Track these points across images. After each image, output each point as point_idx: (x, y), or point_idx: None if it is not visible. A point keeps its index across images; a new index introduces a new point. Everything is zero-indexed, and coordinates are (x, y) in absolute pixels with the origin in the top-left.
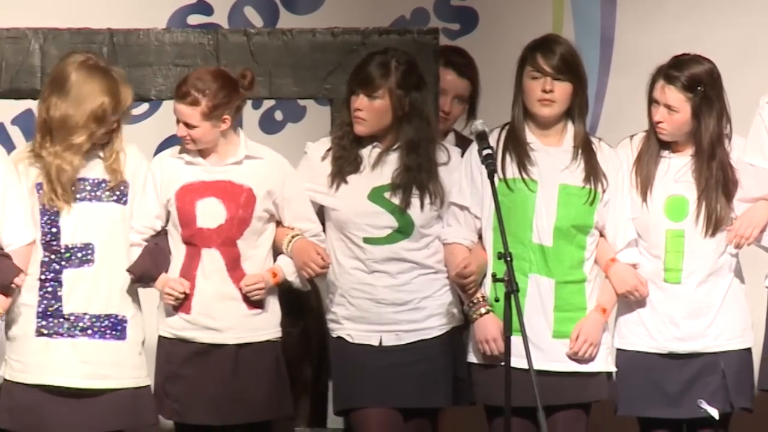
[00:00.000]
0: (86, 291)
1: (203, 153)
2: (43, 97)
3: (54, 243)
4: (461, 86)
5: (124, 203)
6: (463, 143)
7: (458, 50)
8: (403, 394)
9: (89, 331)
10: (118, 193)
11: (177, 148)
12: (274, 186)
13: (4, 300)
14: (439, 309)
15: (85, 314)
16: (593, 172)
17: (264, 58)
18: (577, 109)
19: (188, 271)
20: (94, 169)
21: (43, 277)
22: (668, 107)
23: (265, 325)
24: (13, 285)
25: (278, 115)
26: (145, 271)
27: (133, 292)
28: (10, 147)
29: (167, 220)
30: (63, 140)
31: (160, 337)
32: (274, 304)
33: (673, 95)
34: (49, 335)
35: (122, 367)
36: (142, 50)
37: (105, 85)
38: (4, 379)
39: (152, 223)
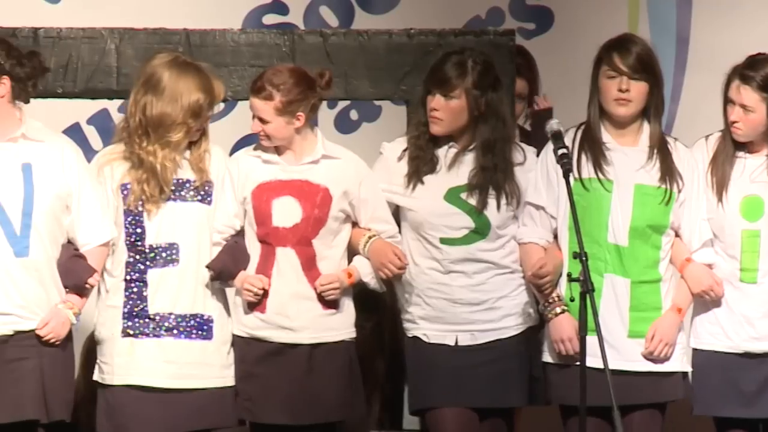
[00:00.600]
0: (171, 291)
1: (280, 151)
2: (135, 98)
3: (139, 243)
4: (520, 85)
5: (209, 203)
6: (527, 139)
7: (518, 49)
8: (479, 394)
9: (174, 331)
10: (202, 192)
11: (254, 146)
12: (351, 187)
13: (79, 300)
14: (514, 309)
15: (170, 314)
16: (669, 172)
17: (340, 58)
18: (653, 109)
19: (264, 270)
20: (179, 169)
21: (128, 277)
22: (744, 107)
23: (340, 325)
24: (87, 285)
25: (353, 115)
26: (224, 268)
27: (219, 292)
28: (85, 146)
29: (245, 219)
30: (161, 138)
31: (234, 336)
32: (348, 305)
33: (749, 95)
34: (134, 335)
35: (208, 366)
36: (218, 51)
37: (198, 81)
38: (98, 383)
39: (232, 222)
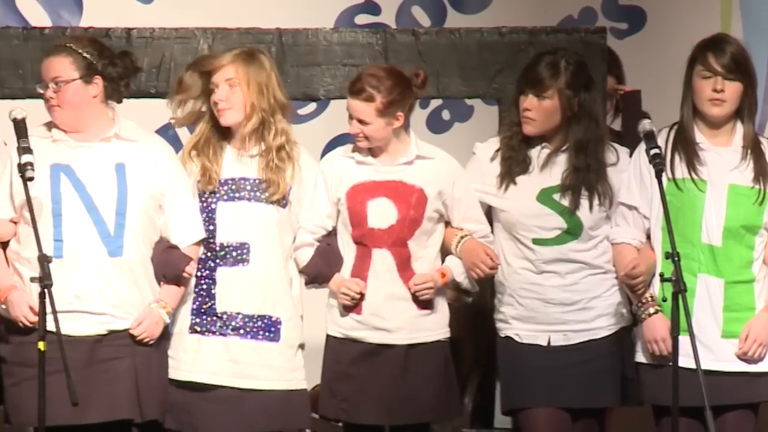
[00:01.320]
0: (240, 290)
1: (374, 152)
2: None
3: (210, 241)
4: (608, 83)
5: (283, 206)
6: (617, 137)
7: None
8: (571, 395)
9: (241, 331)
10: (278, 194)
11: (348, 147)
12: (445, 186)
13: (176, 290)
14: (607, 309)
15: (238, 314)
16: (762, 172)
17: (432, 57)
18: (746, 109)
19: (359, 272)
20: (257, 170)
21: (198, 274)
22: None
23: (435, 326)
24: (184, 274)
25: (446, 115)
26: (318, 273)
27: (289, 295)
28: (177, 146)
29: (337, 220)
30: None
31: (328, 336)
32: (443, 305)
33: None
34: (201, 332)
35: (274, 368)
36: (310, 50)
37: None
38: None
39: (324, 222)
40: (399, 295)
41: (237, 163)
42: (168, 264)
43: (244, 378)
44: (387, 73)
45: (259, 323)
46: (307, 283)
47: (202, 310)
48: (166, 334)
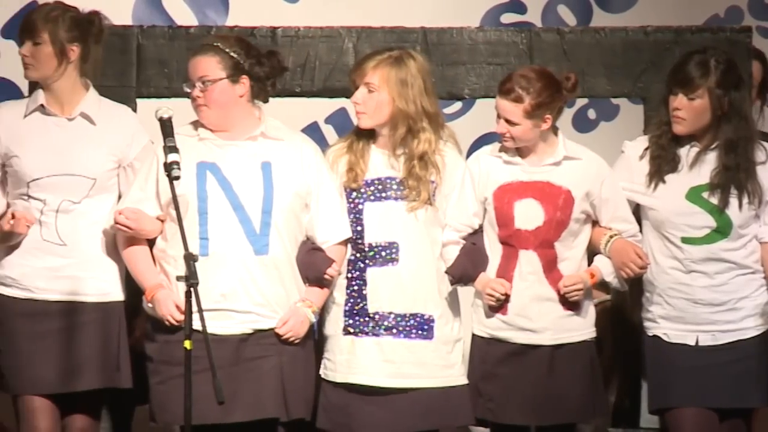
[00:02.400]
0: (391, 290)
1: (522, 152)
2: None
3: (359, 241)
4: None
5: (431, 204)
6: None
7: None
8: (720, 394)
9: (394, 330)
10: (425, 193)
11: (495, 146)
12: (593, 187)
13: (319, 292)
14: (755, 309)
15: (390, 313)
16: None
17: (577, 56)
18: None
19: (505, 272)
20: (403, 169)
21: (349, 275)
22: None
23: (581, 326)
24: (326, 276)
25: (591, 114)
26: (464, 272)
27: (441, 293)
28: (323, 145)
29: (484, 218)
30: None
31: (474, 335)
32: (588, 305)
33: None
34: (355, 334)
35: (429, 366)
36: (455, 49)
37: None
38: (322, 378)
39: (470, 221)
40: (545, 296)
41: (383, 163)
42: (311, 266)
43: (399, 378)
44: (538, 74)
45: (412, 322)
46: (452, 283)
47: (355, 311)
48: (311, 333)
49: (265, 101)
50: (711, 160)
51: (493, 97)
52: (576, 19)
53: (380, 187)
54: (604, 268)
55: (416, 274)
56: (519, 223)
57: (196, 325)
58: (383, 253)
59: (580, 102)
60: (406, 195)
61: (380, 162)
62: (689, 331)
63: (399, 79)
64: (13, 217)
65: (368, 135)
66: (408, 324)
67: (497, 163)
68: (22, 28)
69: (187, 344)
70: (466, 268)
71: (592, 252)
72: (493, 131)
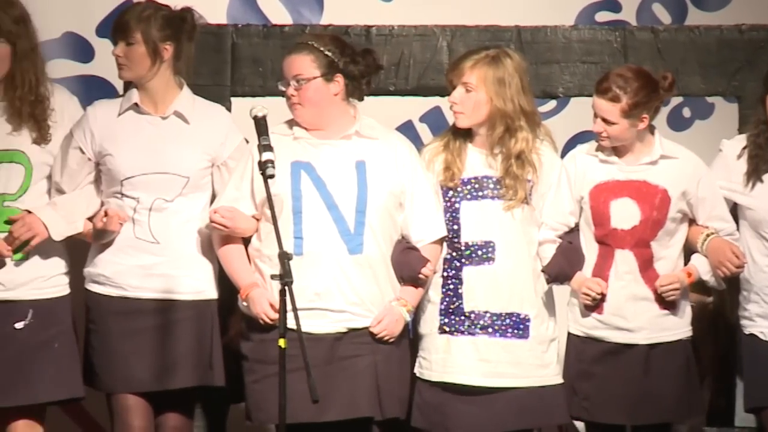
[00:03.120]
0: (486, 289)
1: (618, 151)
2: None
3: (455, 240)
4: None
5: (527, 203)
6: None
7: None
8: None
9: (489, 330)
10: (521, 192)
11: (592, 144)
12: (689, 186)
13: (414, 291)
14: None
15: (485, 312)
16: None
17: (671, 55)
18: None
19: (601, 271)
20: (499, 169)
21: (445, 274)
22: None
23: (676, 325)
24: (421, 275)
25: (686, 112)
26: (560, 271)
27: (537, 292)
28: (418, 144)
29: (580, 217)
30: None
31: (570, 334)
32: (685, 304)
33: None
34: (450, 333)
35: (524, 366)
36: (549, 47)
37: None
38: (417, 377)
39: (566, 219)
40: (641, 296)
41: (480, 162)
42: (405, 265)
43: (494, 377)
44: (635, 74)
45: (507, 321)
46: (548, 282)
47: (450, 310)
48: (406, 332)
49: (360, 100)
50: None
51: (587, 95)
52: (671, 17)
53: (477, 186)
54: (701, 266)
55: (512, 273)
56: (615, 223)
57: (291, 323)
58: (479, 252)
59: (675, 101)
60: (503, 194)
61: (477, 161)
62: None
63: (496, 78)
64: (106, 215)
65: (465, 134)
66: (504, 323)
67: (593, 162)
68: (115, 29)
69: (282, 343)
70: (562, 267)
71: (689, 251)
72: (587, 130)
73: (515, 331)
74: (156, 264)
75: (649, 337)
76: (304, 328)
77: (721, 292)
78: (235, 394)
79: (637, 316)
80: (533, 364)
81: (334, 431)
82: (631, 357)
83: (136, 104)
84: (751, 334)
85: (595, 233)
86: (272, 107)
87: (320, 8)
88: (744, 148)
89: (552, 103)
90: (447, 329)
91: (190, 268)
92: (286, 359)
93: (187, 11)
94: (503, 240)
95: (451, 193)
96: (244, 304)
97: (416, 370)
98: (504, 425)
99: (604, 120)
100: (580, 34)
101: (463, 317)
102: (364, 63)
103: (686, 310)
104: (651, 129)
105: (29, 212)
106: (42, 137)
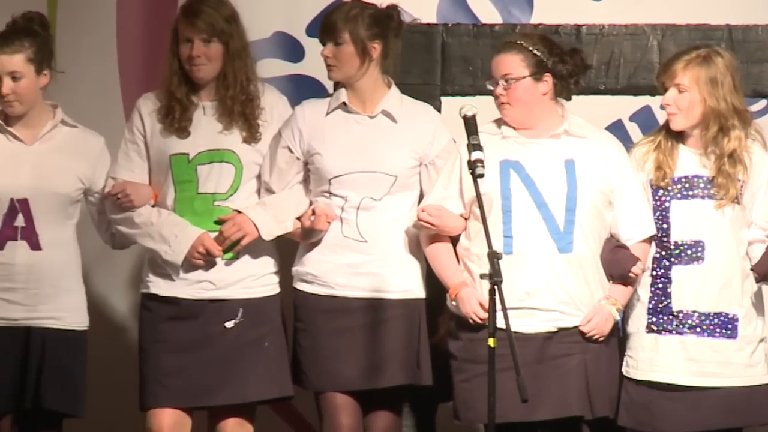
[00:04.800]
0: (695, 289)
1: None
2: None
3: (665, 239)
4: None
5: (737, 202)
6: None
7: None
8: None
9: (698, 329)
10: (724, 190)
11: None
12: None
13: (624, 290)
14: None
15: (694, 312)
16: None
17: None
18: None
19: None
20: (710, 168)
21: (654, 273)
22: None
23: None
24: (630, 274)
25: None
26: None
27: (746, 291)
28: (627, 143)
29: None
30: None
31: None
32: None
33: None
34: (658, 332)
35: (732, 365)
36: (760, 46)
37: None
38: (623, 376)
39: None
40: None
41: (692, 162)
42: (615, 263)
43: (702, 376)
44: None
45: (716, 321)
46: (757, 281)
47: (658, 309)
48: (615, 331)
49: (568, 99)
50: None
51: None
52: None
53: (687, 185)
54: None
55: (721, 272)
56: None
57: (500, 323)
58: (689, 252)
59: None
60: (714, 193)
61: (689, 161)
62: None
63: (709, 77)
64: (314, 213)
65: (676, 134)
66: (712, 323)
67: None
68: (323, 30)
69: (491, 342)
70: None
71: None
72: None
73: (723, 330)
74: (364, 263)
75: None
76: (514, 328)
77: None
78: (443, 393)
79: None
80: (741, 363)
81: (540, 431)
82: None
83: (344, 103)
84: None
85: None
86: (481, 106)
87: (530, 8)
88: None
89: (762, 102)
90: (654, 328)
91: (398, 267)
92: (496, 359)
93: (393, 8)
94: (713, 239)
95: (661, 192)
96: (454, 303)
97: (623, 369)
98: (712, 423)
99: None
100: None
101: (671, 316)
102: (572, 62)
103: None
104: None
105: (239, 212)
106: (252, 136)
